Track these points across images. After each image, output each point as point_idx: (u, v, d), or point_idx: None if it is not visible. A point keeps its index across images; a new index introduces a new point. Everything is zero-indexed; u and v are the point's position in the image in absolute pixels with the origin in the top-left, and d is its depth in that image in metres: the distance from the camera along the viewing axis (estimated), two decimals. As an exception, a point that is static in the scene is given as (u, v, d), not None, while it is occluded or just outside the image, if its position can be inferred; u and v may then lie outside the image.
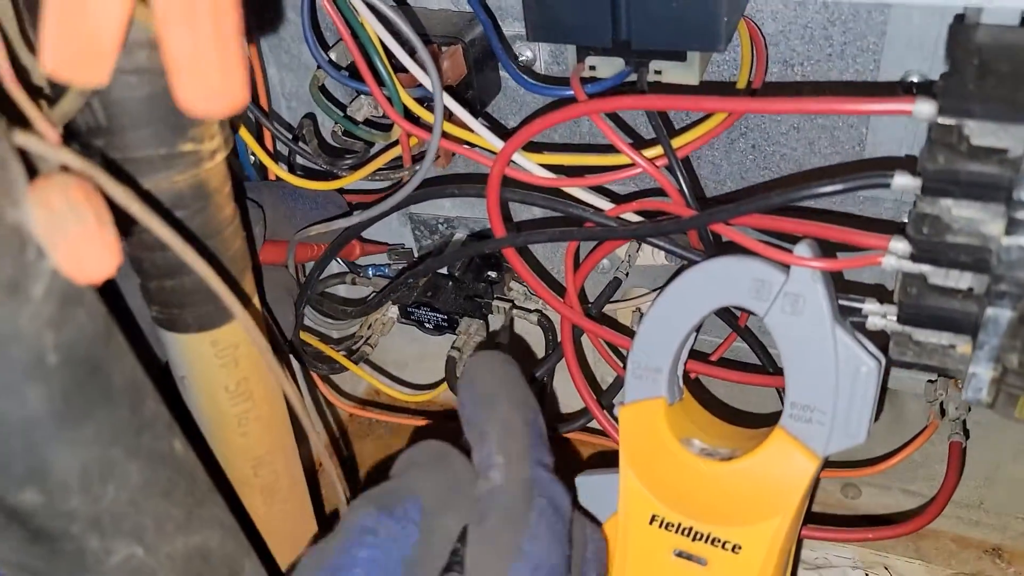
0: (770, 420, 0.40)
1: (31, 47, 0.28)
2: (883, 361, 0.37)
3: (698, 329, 0.40)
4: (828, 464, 0.39)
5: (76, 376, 0.25)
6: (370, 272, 0.58)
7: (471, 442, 0.36)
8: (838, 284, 0.38)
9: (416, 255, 0.59)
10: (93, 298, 0.26)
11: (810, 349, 0.36)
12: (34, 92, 0.24)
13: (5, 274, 0.22)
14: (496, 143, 0.42)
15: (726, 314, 0.48)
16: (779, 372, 0.48)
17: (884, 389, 0.51)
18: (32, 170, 0.25)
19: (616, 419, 0.44)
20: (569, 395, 0.53)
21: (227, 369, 0.37)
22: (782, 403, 0.38)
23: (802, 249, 0.36)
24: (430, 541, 0.33)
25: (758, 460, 0.38)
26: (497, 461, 0.34)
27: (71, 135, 0.31)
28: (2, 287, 0.22)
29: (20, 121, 0.25)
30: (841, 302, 0.37)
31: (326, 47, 0.46)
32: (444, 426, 0.60)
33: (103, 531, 0.27)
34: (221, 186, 0.34)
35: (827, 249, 0.38)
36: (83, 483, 0.26)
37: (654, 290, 0.51)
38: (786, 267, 0.36)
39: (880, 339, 0.37)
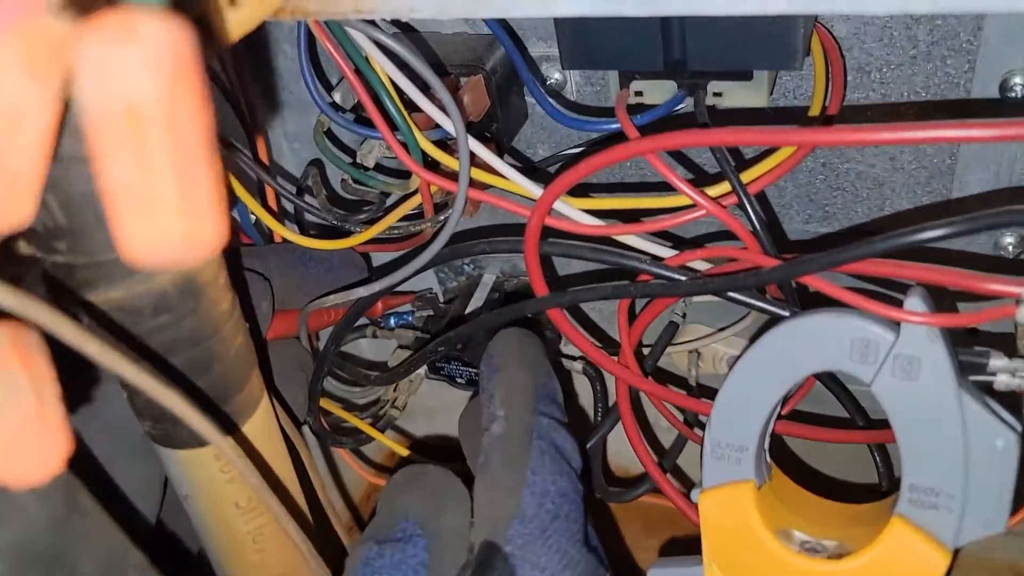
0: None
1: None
2: (1021, 430, 0.30)
3: (787, 399, 0.34)
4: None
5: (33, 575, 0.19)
6: (392, 322, 0.53)
7: (483, 405, 0.37)
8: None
9: (442, 300, 0.53)
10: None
11: (931, 421, 0.30)
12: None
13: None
14: (532, 189, 0.36)
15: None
16: (870, 425, 0.42)
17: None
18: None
19: (687, 489, 0.38)
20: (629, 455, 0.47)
21: (235, 484, 0.32)
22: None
23: (914, 302, 0.30)
24: (441, 541, 0.34)
25: (875, 557, 0.31)
26: (499, 414, 0.35)
27: (28, 238, 0.26)
28: (-82, 489, 0.17)
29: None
30: (961, 358, 0.31)
31: (329, 86, 0.41)
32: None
33: None
34: (215, 277, 0.29)
35: (935, 296, 0.32)
36: None
37: (719, 330, 0.45)
38: (895, 324, 0.30)
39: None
